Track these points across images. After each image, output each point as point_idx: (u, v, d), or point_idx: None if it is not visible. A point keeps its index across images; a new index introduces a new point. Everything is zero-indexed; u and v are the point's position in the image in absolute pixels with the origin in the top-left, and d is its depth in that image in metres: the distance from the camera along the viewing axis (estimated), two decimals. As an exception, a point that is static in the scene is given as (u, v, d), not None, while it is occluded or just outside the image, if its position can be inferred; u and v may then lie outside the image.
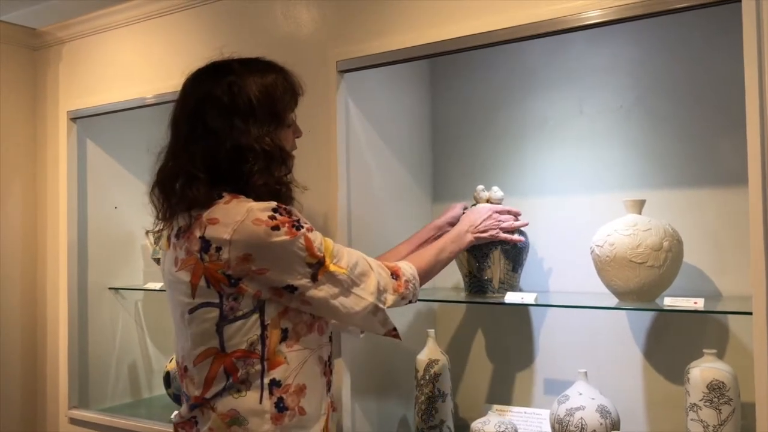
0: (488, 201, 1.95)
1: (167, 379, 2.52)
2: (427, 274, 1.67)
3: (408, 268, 1.58)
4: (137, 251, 2.85)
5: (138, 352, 2.84)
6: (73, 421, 2.63)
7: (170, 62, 2.38)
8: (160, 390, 2.77)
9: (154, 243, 2.71)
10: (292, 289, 1.38)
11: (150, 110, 2.49)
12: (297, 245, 1.37)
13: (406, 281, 1.55)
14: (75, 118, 2.67)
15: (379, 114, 2.10)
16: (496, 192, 1.96)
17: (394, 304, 1.51)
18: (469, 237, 1.80)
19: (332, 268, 1.41)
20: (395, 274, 1.54)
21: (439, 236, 1.83)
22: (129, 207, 2.78)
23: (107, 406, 2.71)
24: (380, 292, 1.48)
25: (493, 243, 1.90)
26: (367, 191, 2.05)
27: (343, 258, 1.44)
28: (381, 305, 1.48)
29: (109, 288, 2.76)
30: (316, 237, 1.41)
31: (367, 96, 2.05)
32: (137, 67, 2.49)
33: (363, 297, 1.45)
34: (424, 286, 2.19)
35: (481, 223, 1.82)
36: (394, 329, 1.54)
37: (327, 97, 1.96)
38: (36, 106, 2.81)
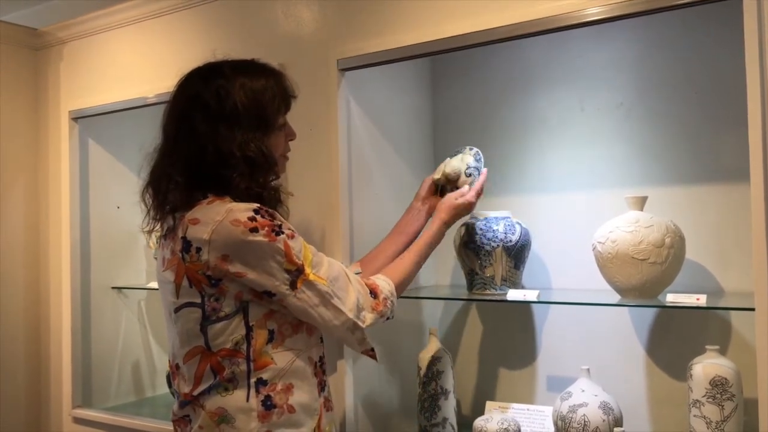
0: (446, 177, 1.88)
1: (170, 377, 2.52)
2: (405, 284, 1.65)
3: (386, 285, 1.55)
4: (140, 250, 2.85)
5: (141, 351, 2.85)
6: (77, 420, 2.64)
7: (171, 61, 2.38)
8: (164, 389, 2.78)
9: (156, 242, 2.72)
10: (270, 295, 1.38)
11: (151, 110, 2.48)
12: (275, 250, 1.36)
13: (384, 299, 1.52)
14: (76, 117, 2.68)
15: (380, 112, 2.10)
16: (453, 167, 1.87)
17: (373, 323, 1.49)
18: (444, 230, 1.77)
19: (312, 277, 1.39)
20: (374, 293, 1.51)
21: (415, 215, 1.85)
22: (131, 206, 2.76)
23: (111, 405, 2.71)
24: (359, 309, 1.45)
25: (495, 241, 1.90)
26: (368, 189, 2.05)
27: (323, 268, 1.42)
28: (360, 323, 1.45)
29: (112, 287, 2.77)
30: (296, 244, 1.39)
31: (368, 94, 2.05)
32: (138, 67, 2.49)
33: (342, 311, 1.42)
34: (426, 283, 2.20)
35: (453, 218, 1.78)
36: (372, 349, 1.52)
37: (328, 95, 1.96)
38: (37, 106, 2.82)
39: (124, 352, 2.79)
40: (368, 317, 1.47)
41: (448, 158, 1.92)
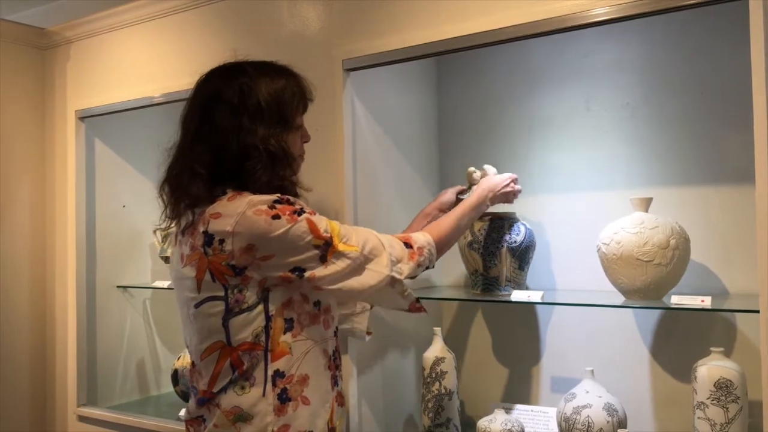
0: (482, 174, 1.91)
1: (175, 376, 2.53)
2: (446, 242, 1.64)
3: (421, 236, 1.57)
4: (145, 249, 2.86)
5: (146, 350, 2.86)
6: (82, 419, 2.65)
7: (177, 61, 2.39)
8: (168, 388, 2.78)
9: (162, 241, 2.73)
10: (300, 272, 1.38)
11: (157, 109, 2.50)
12: (300, 230, 1.37)
13: (420, 248, 1.53)
14: (83, 117, 2.69)
15: (385, 112, 2.10)
16: (489, 169, 1.92)
17: (411, 273, 1.50)
18: (488, 203, 1.80)
19: (341, 247, 1.41)
20: (408, 244, 1.53)
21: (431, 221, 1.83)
22: (137, 205, 2.80)
23: (115, 403, 2.72)
24: (393, 263, 1.47)
25: (500, 241, 1.91)
26: (374, 189, 2.05)
27: (353, 237, 1.44)
28: (397, 276, 1.47)
29: (118, 286, 2.77)
30: (321, 220, 1.41)
31: (374, 94, 2.06)
32: (145, 66, 2.50)
33: (377, 271, 1.44)
34: (431, 283, 2.20)
35: (501, 189, 1.82)
36: (417, 300, 1.53)
37: (333, 95, 1.96)
38: (44, 105, 2.83)
39: (129, 351, 2.80)
40: (405, 268, 1.49)
41: (472, 168, 1.96)
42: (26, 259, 2.77)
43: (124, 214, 2.79)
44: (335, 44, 1.99)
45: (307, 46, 2.05)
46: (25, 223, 2.77)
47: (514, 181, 1.88)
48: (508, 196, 1.87)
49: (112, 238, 2.77)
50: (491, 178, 1.86)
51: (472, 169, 1.95)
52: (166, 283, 2.59)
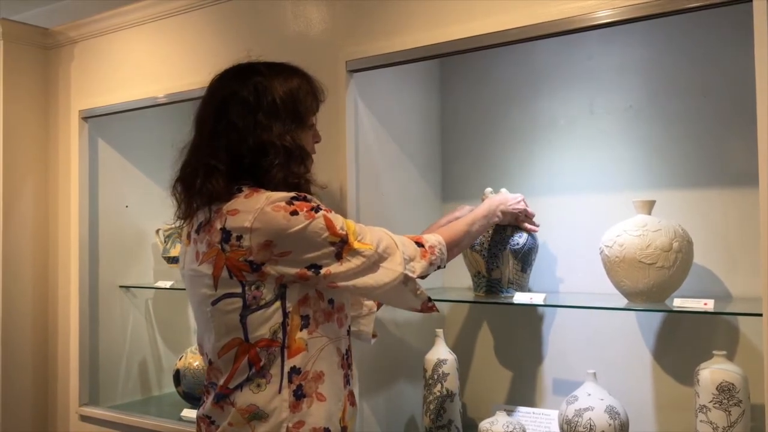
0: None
1: (177, 376, 2.53)
2: (456, 244, 1.66)
3: (432, 237, 1.58)
4: (148, 249, 2.86)
5: (148, 350, 2.86)
6: (84, 418, 2.65)
7: (181, 61, 2.39)
8: (170, 388, 2.78)
9: (164, 241, 2.74)
10: (316, 268, 1.39)
11: (161, 109, 2.51)
12: (318, 226, 1.38)
13: (431, 247, 1.54)
14: (87, 117, 2.69)
15: (388, 113, 2.10)
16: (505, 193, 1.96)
17: (424, 272, 1.51)
18: (499, 214, 1.84)
19: (356, 245, 1.42)
20: (419, 243, 1.54)
21: None
22: (140, 205, 2.80)
23: (117, 403, 2.73)
24: (407, 261, 1.48)
25: (503, 243, 1.90)
26: (376, 191, 2.05)
27: (367, 235, 1.45)
28: (410, 274, 1.48)
29: (120, 286, 2.78)
30: (337, 218, 1.43)
31: (377, 95, 2.06)
32: (148, 67, 2.51)
33: (391, 269, 1.45)
34: (433, 285, 2.20)
35: (512, 204, 1.88)
36: (430, 300, 1.54)
37: (336, 96, 1.96)
38: (48, 105, 2.83)
39: (131, 351, 2.81)
40: (417, 267, 1.50)
41: (489, 189, 1.98)
42: (29, 259, 2.78)
43: (126, 214, 2.80)
44: (338, 45, 1.99)
45: (310, 48, 2.05)
46: (28, 222, 2.78)
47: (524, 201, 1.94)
48: (519, 215, 1.92)
49: (115, 237, 2.77)
50: (504, 194, 1.92)
51: (489, 189, 1.97)
52: (168, 283, 2.60)
